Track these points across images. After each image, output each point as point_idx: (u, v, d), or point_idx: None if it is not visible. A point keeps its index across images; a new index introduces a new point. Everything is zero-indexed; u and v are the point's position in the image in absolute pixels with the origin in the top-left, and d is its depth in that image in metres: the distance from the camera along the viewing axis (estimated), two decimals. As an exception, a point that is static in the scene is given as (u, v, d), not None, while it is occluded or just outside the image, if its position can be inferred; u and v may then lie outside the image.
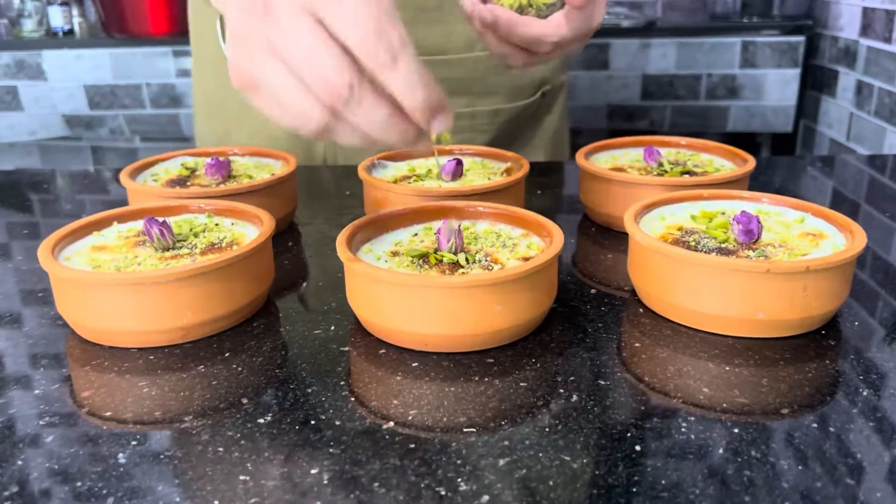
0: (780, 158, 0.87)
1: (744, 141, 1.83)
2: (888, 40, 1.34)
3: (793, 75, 1.56)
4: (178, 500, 0.34)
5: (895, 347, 0.44)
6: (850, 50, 1.47)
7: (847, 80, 1.49)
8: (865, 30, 1.40)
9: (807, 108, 1.65)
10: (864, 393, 0.40)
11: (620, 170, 0.65)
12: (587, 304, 0.51)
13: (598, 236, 0.63)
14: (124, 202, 0.72)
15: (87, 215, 0.53)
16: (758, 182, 0.76)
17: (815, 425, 0.38)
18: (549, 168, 0.83)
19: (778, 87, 1.57)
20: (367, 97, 0.40)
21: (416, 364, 0.44)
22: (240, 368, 0.44)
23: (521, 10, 0.59)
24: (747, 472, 0.34)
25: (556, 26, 0.59)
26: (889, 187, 0.74)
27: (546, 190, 0.76)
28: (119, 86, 1.63)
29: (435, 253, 0.48)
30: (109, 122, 1.68)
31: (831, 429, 0.37)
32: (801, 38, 1.52)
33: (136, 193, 0.61)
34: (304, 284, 0.55)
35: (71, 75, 1.65)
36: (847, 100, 1.49)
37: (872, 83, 1.40)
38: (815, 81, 1.61)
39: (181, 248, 0.50)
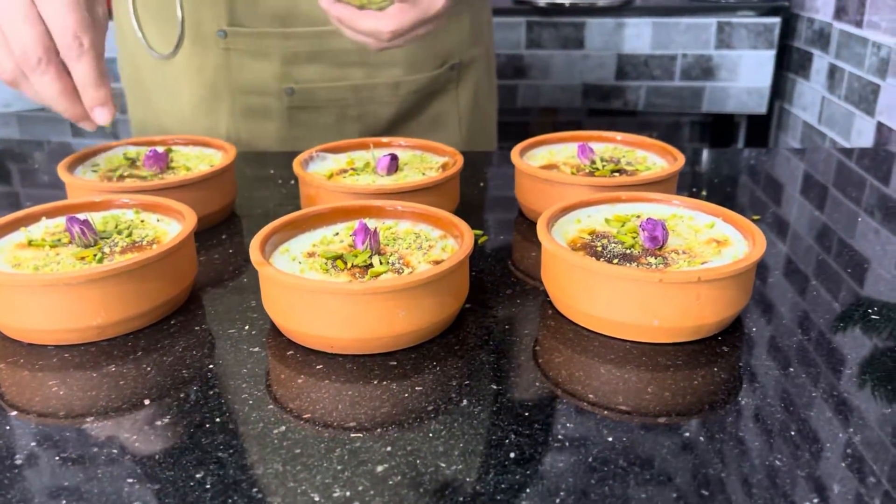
0: (722, 151, 0.88)
1: (720, 122, 1.83)
2: (859, 24, 1.33)
3: (768, 57, 1.56)
4: (63, 502, 0.35)
5: (786, 353, 0.46)
6: (824, 33, 1.46)
7: (820, 62, 1.48)
8: (839, 13, 1.40)
9: (782, 89, 1.65)
10: (743, 402, 0.42)
11: (554, 166, 0.66)
12: (499, 305, 0.52)
13: (528, 232, 0.64)
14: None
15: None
16: (693, 178, 0.77)
17: (686, 434, 0.39)
18: (488, 160, 0.84)
19: (753, 69, 1.57)
20: (50, 72, 0.56)
21: (320, 366, 0.45)
22: (149, 368, 0.45)
23: (361, 7, 0.66)
24: (610, 482, 0.36)
25: (390, 17, 0.65)
26: (816, 181, 0.75)
27: (488, 183, 0.77)
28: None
29: (349, 254, 0.49)
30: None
31: (701, 438, 0.39)
32: (776, 20, 1.52)
33: (72, 187, 0.62)
34: (229, 281, 0.57)
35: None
36: (819, 83, 1.49)
37: (844, 67, 1.40)
38: (791, 63, 1.61)
39: (102, 245, 0.51)
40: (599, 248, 0.50)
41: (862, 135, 1.33)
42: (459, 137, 0.92)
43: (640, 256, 0.49)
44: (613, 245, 0.50)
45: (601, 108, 1.67)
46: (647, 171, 0.64)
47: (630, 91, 1.61)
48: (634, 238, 0.51)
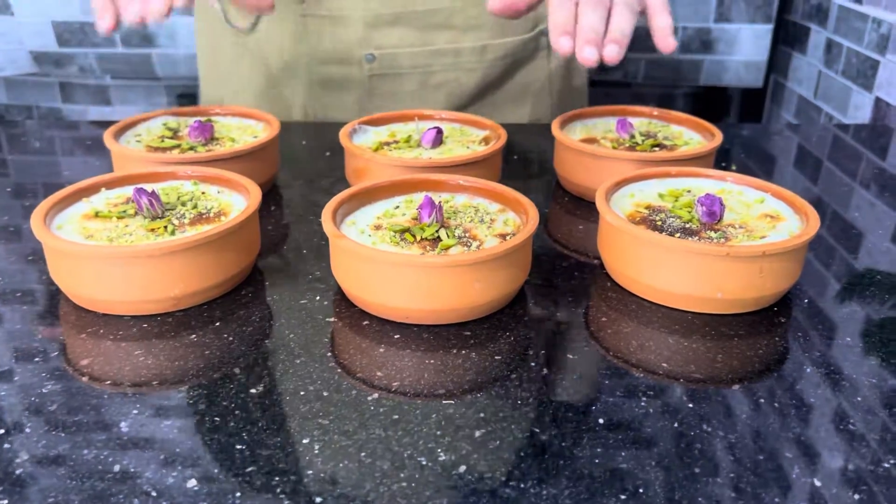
0: (751, 126, 0.90)
1: (714, 95, 1.85)
2: (859, 0, 1.36)
3: (765, 31, 1.58)
4: (179, 468, 0.36)
5: (839, 323, 0.48)
6: (822, 7, 1.48)
7: (818, 37, 1.51)
8: (838, -12, 1.42)
9: (778, 63, 1.67)
10: (808, 370, 0.44)
11: (593, 140, 0.67)
12: (559, 278, 0.54)
13: (571, 206, 0.66)
14: (96, 144, 0.73)
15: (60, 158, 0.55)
16: (723, 152, 0.79)
17: (762, 399, 0.41)
18: (528, 130, 0.85)
19: (751, 42, 1.59)
20: None
21: (398, 336, 0.47)
22: (231, 338, 0.46)
23: None
24: (698, 446, 0.38)
25: None
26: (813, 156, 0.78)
27: (523, 155, 0.78)
28: (89, 23, 1.60)
29: (416, 227, 0.51)
30: (79, 60, 1.65)
31: (776, 404, 0.41)
32: (775, -6, 1.54)
33: (119, 156, 0.62)
34: (288, 251, 0.58)
35: (38, 10, 1.61)
36: (817, 58, 1.52)
37: (842, 42, 1.42)
38: (788, 37, 1.64)
39: (170, 217, 0.52)
40: (659, 223, 0.52)
41: (859, 109, 1.36)
42: (549, 109, 0.89)
43: (700, 231, 0.51)
44: (672, 220, 0.52)
45: (600, 80, 1.68)
46: (686, 147, 0.66)
47: (630, 63, 1.62)
48: (691, 213, 0.52)
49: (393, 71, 0.83)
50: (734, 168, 0.74)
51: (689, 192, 0.56)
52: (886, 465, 0.37)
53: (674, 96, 1.93)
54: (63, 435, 0.38)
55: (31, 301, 0.50)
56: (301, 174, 0.72)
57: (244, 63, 0.86)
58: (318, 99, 0.86)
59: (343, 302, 0.50)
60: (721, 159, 0.76)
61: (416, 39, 0.82)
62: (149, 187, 0.53)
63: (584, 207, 0.65)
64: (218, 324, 0.48)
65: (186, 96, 1.76)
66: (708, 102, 1.91)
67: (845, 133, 0.87)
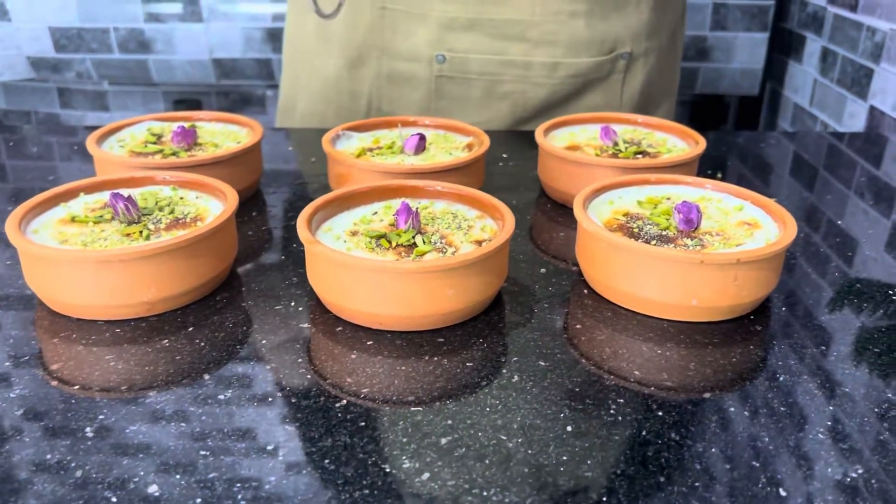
0: (745, 134, 0.90)
1: (711, 103, 1.85)
2: (854, 8, 1.36)
3: (761, 39, 1.58)
4: (141, 473, 0.36)
5: (815, 332, 0.48)
6: (817, 16, 1.48)
7: (813, 46, 1.51)
8: (833, -3, 1.42)
9: (774, 71, 1.67)
10: (781, 378, 0.44)
11: (577, 147, 0.67)
12: (536, 284, 0.54)
13: (554, 213, 0.66)
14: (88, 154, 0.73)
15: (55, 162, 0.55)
16: (709, 158, 0.78)
17: (732, 409, 0.41)
18: (515, 137, 0.85)
19: (747, 50, 1.59)
20: None
21: (370, 342, 0.46)
22: (203, 344, 0.46)
23: None
24: (665, 455, 0.38)
25: None
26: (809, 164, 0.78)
27: (508, 163, 0.78)
28: (86, 29, 1.60)
29: (392, 233, 0.51)
30: (76, 66, 1.66)
31: (746, 413, 0.41)
32: (771, 2, 1.54)
33: (102, 161, 0.63)
34: (267, 257, 0.58)
35: (35, 16, 1.61)
36: (812, 66, 1.51)
37: (837, 51, 1.42)
38: (783, 45, 1.63)
39: (146, 221, 0.52)
40: (636, 230, 0.52)
41: (854, 118, 1.36)
42: None
43: (676, 238, 0.50)
44: (649, 227, 0.52)
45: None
46: (669, 154, 0.66)
47: (625, 70, 1.62)
48: (668, 220, 0.52)
49: (461, 75, 0.83)
50: (719, 176, 0.74)
51: (668, 199, 0.56)
52: (854, 475, 0.37)
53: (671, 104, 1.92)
54: (27, 440, 0.38)
55: (5, 305, 0.50)
56: (285, 180, 0.72)
57: (321, 48, 0.87)
58: (384, 92, 0.85)
59: (318, 308, 0.50)
60: (714, 167, 0.76)
61: (489, 47, 0.82)
62: (126, 192, 0.53)
63: (566, 214, 0.65)
64: (191, 329, 0.48)
65: (184, 102, 1.77)
66: (705, 110, 1.91)
67: (840, 141, 0.86)
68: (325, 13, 0.76)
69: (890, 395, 0.42)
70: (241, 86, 1.70)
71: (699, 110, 1.94)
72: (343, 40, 0.84)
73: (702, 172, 0.74)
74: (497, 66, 0.82)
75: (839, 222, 0.64)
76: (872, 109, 1.30)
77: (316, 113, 0.90)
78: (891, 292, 0.53)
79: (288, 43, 0.94)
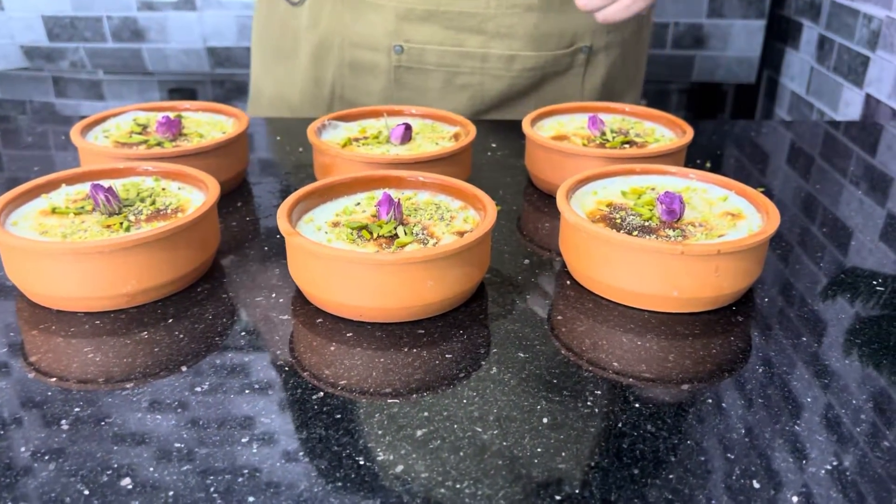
0: (741, 123, 0.90)
1: (708, 91, 1.84)
2: (851, -4, 1.34)
3: (758, 26, 1.57)
4: (115, 466, 0.36)
5: (798, 323, 0.48)
6: (814, 3, 1.47)
7: (810, 33, 1.50)
8: (830, -16, 1.41)
9: (770, 58, 1.66)
10: (760, 370, 0.44)
11: (564, 137, 0.67)
12: (519, 275, 0.54)
13: (540, 203, 0.66)
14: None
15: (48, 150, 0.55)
16: (704, 148, 0.78)
17: (709, 400, 0.41)
18: (503, 127, 0.85)
19: (743, 38, 1.58)
20: None
21: (350, 334, 0.46)
22: (182, 335, 0.46)
23: None
24: (640, 447, 0.38)
25: None
26: (806, 153, 0.77)
27: (496, 153, 0.77)
28: (79, 17, 1.60)
29: (374, 224, 0.50)
30: (70, 55, 1.65)
31: (723, 404, 0.41)
32: (768, -11, 1.52)
33: (86, 152, 0.62)
34: (250, 248, 0.57)
35: (28, 5, 1.61)
36: (809, 53, 1.50)
37: (834, 38, 1.41)
38: (780, 32, 1.62)
39: (127, 213, 0.52)
40: (618, 221, 0.51)
41: (850, 106, 1.35)
42: None
43: (659, 229, 0.50)
44: (632, 217, 0.52)
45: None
46: (657, 144, 0.65)
47: (621, 58, 1.61)
48: (651, 210, 0.52)
49: (419, 66, 0.83)
50: (708, 165, 0.73)
51: (652, 189, 0.56)
52: (829, 466, 0.36)
53: (667, 92, 1.92)
54: (2, 432, 0.38)
55: (-13, 297, 0.50)
56: (272, 170, 0.72)
57: (289, 36, 0.87)
58: (346, 80, 0.86)
59: (300, 299, 0.50)
60: (708, 157, 0.76)
61: (446, 38, 0.82)
62: (108, 183, 0.53)
63: (553, 205, 0.65)
64: (171, 321, 0.48)
65: (178, 91, 1.76)
66: (702, 99, 1.90)
67: (836, 130, 0.86)
68: (293, 0, 0.76)
69: (870, 387, 0.42)
70: (235, 74, 1.69)
71: (696, 98, 1.93)
72: (309, 27, 0.85)
73: (695, 162, 0.74)
74: (454, 58, 0.83)
75: (833, 211, 0.64)
76: (868, 97, 1.30)
77: (283, 98, 0.91)
78: (875, 283, 0.53)
79: (257, 30, 0.94)
